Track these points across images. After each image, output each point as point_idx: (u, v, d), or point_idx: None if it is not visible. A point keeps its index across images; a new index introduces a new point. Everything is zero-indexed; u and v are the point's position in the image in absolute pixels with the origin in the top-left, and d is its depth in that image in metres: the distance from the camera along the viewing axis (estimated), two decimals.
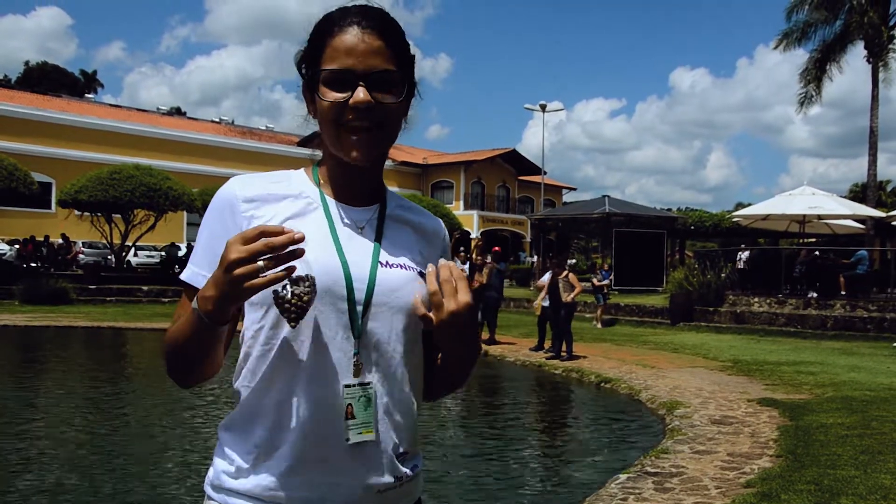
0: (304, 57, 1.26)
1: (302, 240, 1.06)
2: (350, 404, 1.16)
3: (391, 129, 1.24)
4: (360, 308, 1.19)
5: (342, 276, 1.18)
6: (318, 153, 1.33)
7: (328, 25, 1.22)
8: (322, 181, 1.29)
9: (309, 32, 1.25)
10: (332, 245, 1.21)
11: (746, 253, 21.79)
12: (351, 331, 1.18)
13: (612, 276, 18.25)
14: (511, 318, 18.89)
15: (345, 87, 1.18)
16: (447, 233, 1.41)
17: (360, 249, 1.23)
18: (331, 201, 1.27)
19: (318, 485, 1.17)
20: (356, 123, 1.19)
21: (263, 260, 1.04)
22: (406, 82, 1.24)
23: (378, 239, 1.26)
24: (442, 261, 1.19)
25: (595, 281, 17.97)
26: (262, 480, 1.17)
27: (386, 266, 1.23)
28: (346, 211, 1.27)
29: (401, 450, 1.23)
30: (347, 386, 1.17)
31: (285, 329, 1.16)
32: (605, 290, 17.83)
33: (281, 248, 1.04)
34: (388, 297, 1.21)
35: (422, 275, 1.25)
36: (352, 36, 1.19)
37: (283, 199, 1.24)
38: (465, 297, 1.15)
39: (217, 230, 1.22)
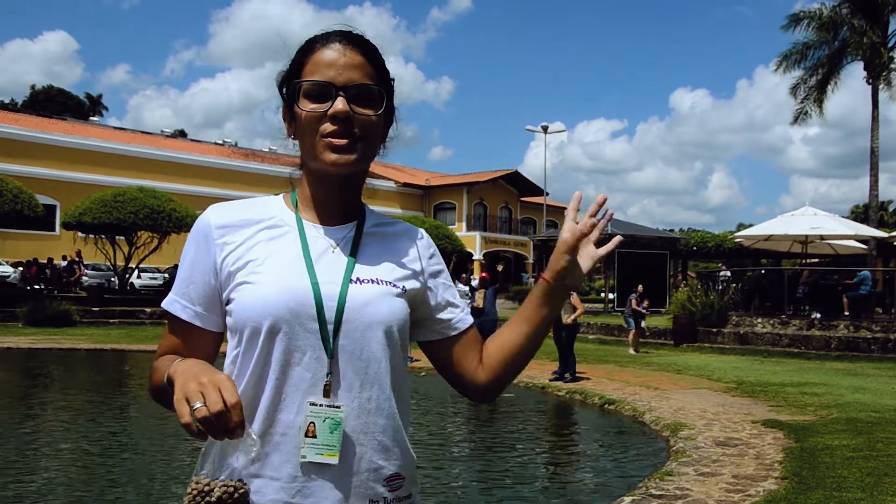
0: (285, 77, 1.29)
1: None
2: (312, 422, 1.16)
3: (368, 143, 1.25)
4: (331, 327, 1.19)
5: (311, 296, 1.19)
6: (298, 172, 1.34)
7: (310, 45, 1.26)
8: (300, 203, 1.31)
9: (291, 56, 1.29)
10: (302, 266, 1.22)
11: (727, 272, 21.88)
12: (323, 350, 1.18)
13: (646, 303, 16.74)
14: None
15: (324, 98, 1.21)
16: (425, 236, 1.40)
17: (332, 268, 1.23)
18: (306, 223, 1.28)
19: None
20: (334, 134, 1.20)
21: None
22: (384, 99, 1.26)
23: (354, 255, 1.26)
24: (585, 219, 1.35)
25: (634, 304, 16.34)
26: None
27: (357, 282, 1.23)
28: (321, 231, 1.28)
29: (387, 472, 1.21)
30: (313, 404, 1.17)
31: (258, 349, 1.19)
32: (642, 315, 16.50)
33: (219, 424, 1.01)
34: (359, 314, 1.20)
35: (395, 286, 1.26)
36: (333, 51, 1.23)
37: (255, 224, 1.27)
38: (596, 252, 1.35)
39: (194, 258, 1.26)
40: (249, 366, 1.20)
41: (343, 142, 1.20)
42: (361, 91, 1.22)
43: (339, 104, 1.19)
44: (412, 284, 1.30)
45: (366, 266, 1.26)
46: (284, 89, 1.29)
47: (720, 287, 20.25)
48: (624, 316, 17.04)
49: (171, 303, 1.27)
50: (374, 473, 1.20)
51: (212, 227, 1.26)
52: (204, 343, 1.27)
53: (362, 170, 1.29)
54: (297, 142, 1.28)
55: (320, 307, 1.19)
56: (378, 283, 1.24)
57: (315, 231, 1.28)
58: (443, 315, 1.35)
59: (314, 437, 1.16)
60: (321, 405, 1.17)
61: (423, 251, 1.35)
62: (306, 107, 1.21)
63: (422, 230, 1.40)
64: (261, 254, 1.23)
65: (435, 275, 1.35)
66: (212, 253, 1.25)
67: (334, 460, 1.16)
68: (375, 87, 1.23)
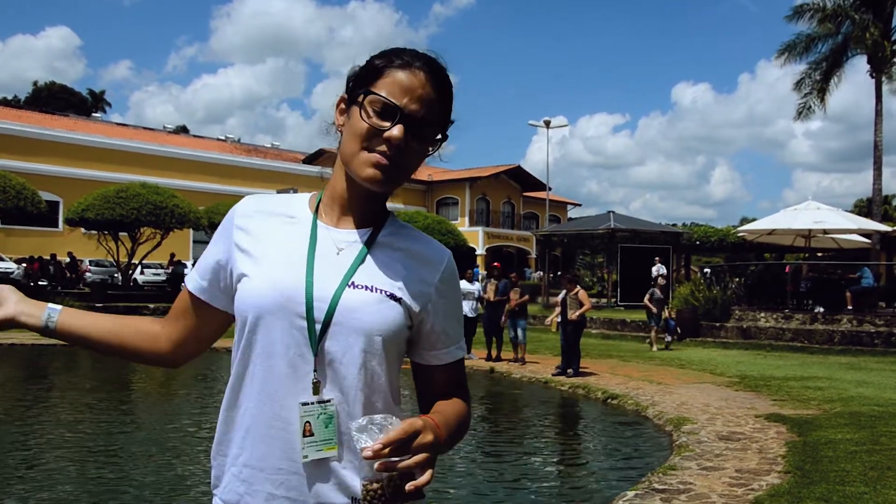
0: (358, 74, 1.28)
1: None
2: (308, 422, 1.19)
3: (405, 173, 1.26)
4: (318, 326, 1.20)
5: (302, 294, 1.21)
6: (329, 170, 1.35)
7: (396, 57, 1.25)
8: (322, 202, 1.32)
9: (372, 54, 1.28)
10: (303, 263, 1.24)
11: (662, 267, 21.97)
12: (309, 348, 1.20)
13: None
14: None
15: (386, 117, 1.21)
16: (452, 262, 1.36)
17: (332, 269, 1.24)
18: (320, 224, 1.30)
19: (273, 498, 1.21)
20: (382, 154, 1.21)
21: None
22: (438, 144, 1.28)
23: (357, 260, 1.26)
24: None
25: (647, 299, 15.46)
26: (234, 487, 1.24)
27: (352, 287, 1.23)
28: (332, 232, 1.29)
29: (365, 472, 1.20)
30: (305, 404, 1.19)
31: (244, 341, 1.24)
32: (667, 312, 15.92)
33: None
34: (346, 318, 1.21)
35: (393, 297, 1.24)
36: (416, 78, 1.23)
37: (274, 216, 1.31)
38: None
39: (215, 239, 1.34)
40: (237, 356, 1.25)
41: (385, 163, 1.21)
42: (423, 128, 1.23)
43: (397, 131, 1.20)
44: (411, 299, 1.27)
45: (367, 272, 1.25)
46: (351, 83, 1.28)
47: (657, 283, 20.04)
48: (647, 314, 15.81)
49: (188, 278, 1.37)
50: (357, 471, 1.21)
51: (235, 213, 1.32)
52: (207, 318, 1.36)
53: (389, 192, 1.30)
54: (339, 135, 1.30)
55: (310, 306, 1.20)
56: (372, 290, 1.23)
57: (327, 232, 1.29)
58: (432, 343, 1.33)
59: (311, 435, 1.19)
60: (312, 403, 1.19)
61: (435, 274, 1.31)
62: (369, 118, 1.22)
63: (448, 254, 1.35)
64: (268, 247, 1.27)
65: (440, 300, 1.31)
66: (228, 235, 1.31)
67: (334, 453, 1.19)
68: (438, 131, 1.26)
